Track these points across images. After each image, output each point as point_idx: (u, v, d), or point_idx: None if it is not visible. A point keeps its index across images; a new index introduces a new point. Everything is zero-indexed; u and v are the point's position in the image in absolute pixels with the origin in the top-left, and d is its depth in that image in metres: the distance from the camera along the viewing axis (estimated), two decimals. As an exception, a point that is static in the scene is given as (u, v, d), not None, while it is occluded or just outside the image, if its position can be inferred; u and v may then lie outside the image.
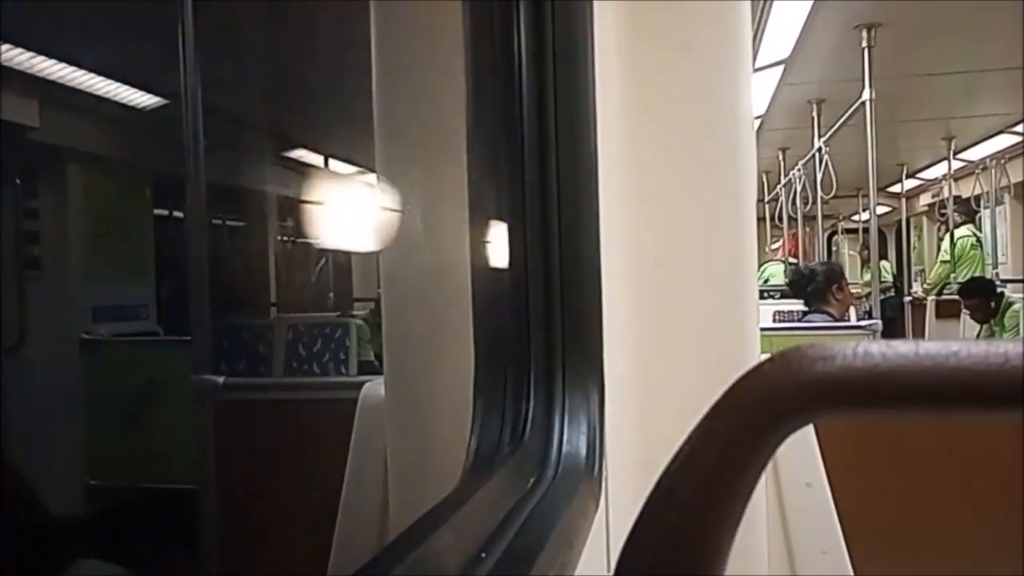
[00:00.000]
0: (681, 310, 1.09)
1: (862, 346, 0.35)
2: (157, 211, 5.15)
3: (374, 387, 1.26)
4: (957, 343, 0.35)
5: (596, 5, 0.93)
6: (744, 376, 0.35)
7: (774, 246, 9.45)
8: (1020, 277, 6.93)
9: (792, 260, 7.94)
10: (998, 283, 6.77)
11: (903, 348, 0.34)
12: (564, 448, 0.86)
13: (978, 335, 5.78)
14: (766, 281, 7.85)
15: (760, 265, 8.73)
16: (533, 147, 0.92)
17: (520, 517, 0.73)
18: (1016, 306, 5.50)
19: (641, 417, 1.04)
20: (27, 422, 3.36)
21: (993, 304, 5.57)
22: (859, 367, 0.34)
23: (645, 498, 0.39)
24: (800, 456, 1.14)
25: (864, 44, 4.05)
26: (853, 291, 5.97)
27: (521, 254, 0.91)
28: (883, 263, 8.30)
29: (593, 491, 0.84)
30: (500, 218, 0.94)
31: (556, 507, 0.76)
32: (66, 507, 3.72)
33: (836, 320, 3.93)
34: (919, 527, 1.22)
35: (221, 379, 2.06)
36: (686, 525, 0.37)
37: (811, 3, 3.70)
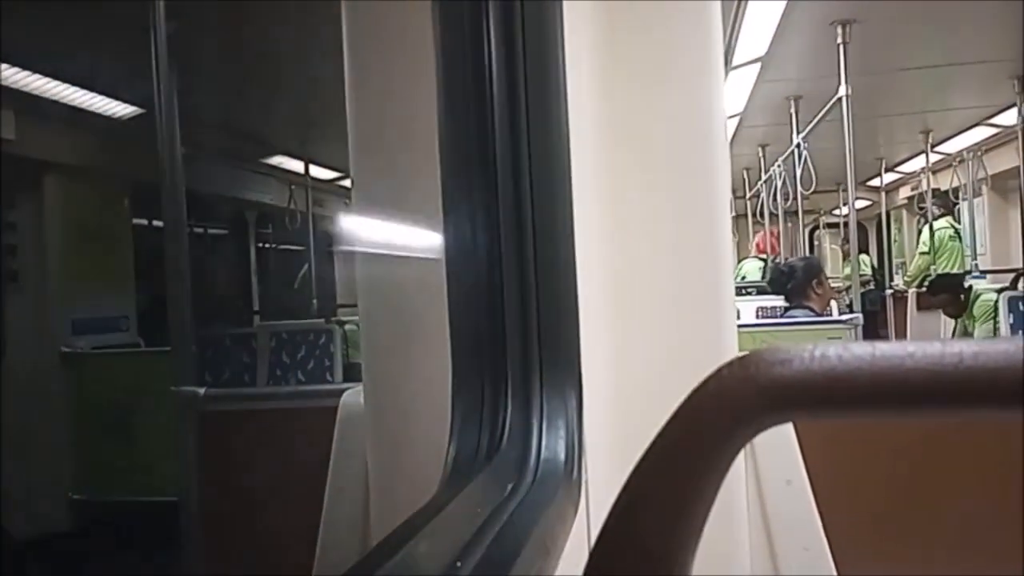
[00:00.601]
0: (658, 311, 1.09)
1: (819, 349, 0.35)
2: (137, 221, 5.12)
3: (353, 395, 1.26)
4: (913, 343, 0.35)
5: (566, 6, 0.93)
6: (703, 382, 0.36)
7: (757, 241, 9.49)
8: (998, 268, 6.99)
9: (762, 256, 7.98)
10: (976, 274, 6.83)
11: (859, 350, 0.35)
12: (543, 453, 0.86)
13: (953, 330, 5.83)
14: (743, 278, 7.88)
15: (737, 263, 8.76)
16: (506, 152, 0.92)
17: (498, 523, 0.73)
18: (984, 296, 5.55)
19: (620, 420, 1.05)
20: (7, 437, 3.33)
21: (963, 297, 5.61)
22: (816, 370, 0.34)
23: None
24: (780, 454, 1.14)
25: (839, 40, 4.07)
26: (834, 285, 6.00)
27: (496, 259, 0.91)
28: (863, 256, 8.34)
29: (572, 496, 0.84)
30: (475, 223, 0.94)
31: (534, 513, 0.76)
32: (49, 523, 3.69)
33: (817, 315, 3.96)
34: (901, 522, 1.22)
35: (202, 390, 2.05)
36: (649, 530, 0.38)
37: (786, 1, 3.72)
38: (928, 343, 0.34)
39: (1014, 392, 0.33)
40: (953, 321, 5.84)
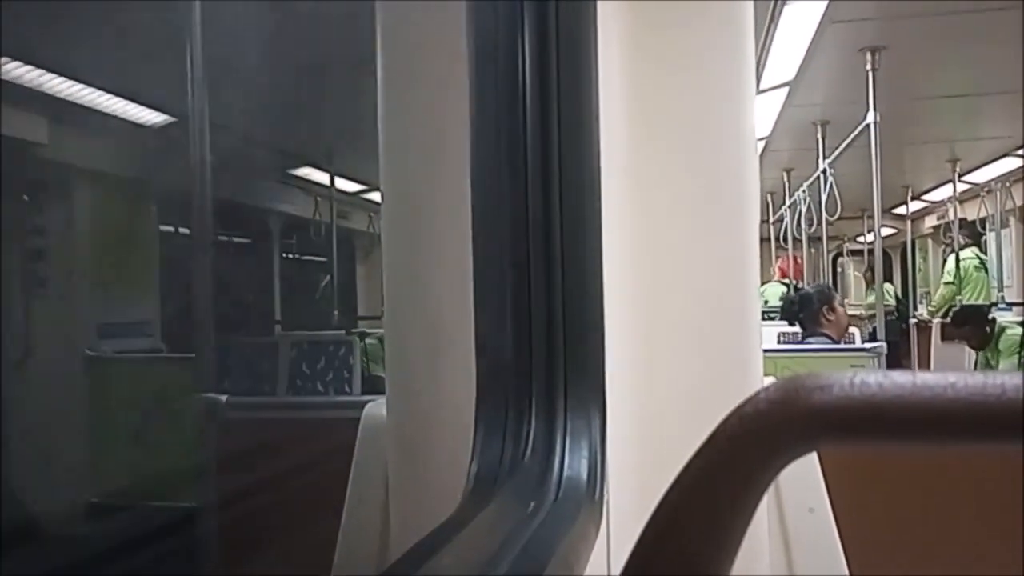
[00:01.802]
0: (683, 332, 1.09)
1: (859, 376, 0.35)
2: (163, 227, 5.18)
3: (376, 407, 1.26)
4: (955, 374, 0.35)
5: (600, 25, 0.93)
6: (741, 405, 0.35)
7: (779, 265, 9.45)
8: (1024, 300, 6.91)
9: (784, 281, 7.93)
10: (1002, 306, 6.75)
11: (901, 379, 0.34)
12: (565, 472, 0.86)
13: (975, 363, 5.76)
14: (765, 302, 7.83)
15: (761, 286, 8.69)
16: (536, 168, 0.92)
17: (521, 541, 0.73)
18: (1010, 331, 5.49)
19: (643, 441, 1.04)
20: (30, 438, 3.36)
21: (988, 330, 5.56)
22: (856, 397, 0.34)
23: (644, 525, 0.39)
24: (803, 481, 1.13)
25: (869, 67, 4.06)
26: (855, 313, 5.94)
27: (524, 275, 0.91)
28: (887, 286, 8.27)
29: (594, 516, 0.83)
30: (502, 238, 0.94)
31: (557, 532, 0.76)
32: (68, 526, 3.71)
33: (835, 341, 3.93)
34: (923, 552, 1.21)
35: (224, 397, 2.06)
36: (684, 554, 0.37)
37: (816, 25, 3.72)
38: (970, 374, 0.34)
39: (1056, 426, 0.33)
40: (975, 354, 5.78)
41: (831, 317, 3.99)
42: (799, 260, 7.87)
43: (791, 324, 4.42)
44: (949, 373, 0.35)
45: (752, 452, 0.36)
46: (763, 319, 5.96)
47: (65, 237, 4.30)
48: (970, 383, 0.34)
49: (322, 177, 6.35)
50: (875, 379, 0.34)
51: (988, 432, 0.34)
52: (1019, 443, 0.34)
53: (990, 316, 5.78)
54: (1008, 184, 7.09)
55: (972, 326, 5.65)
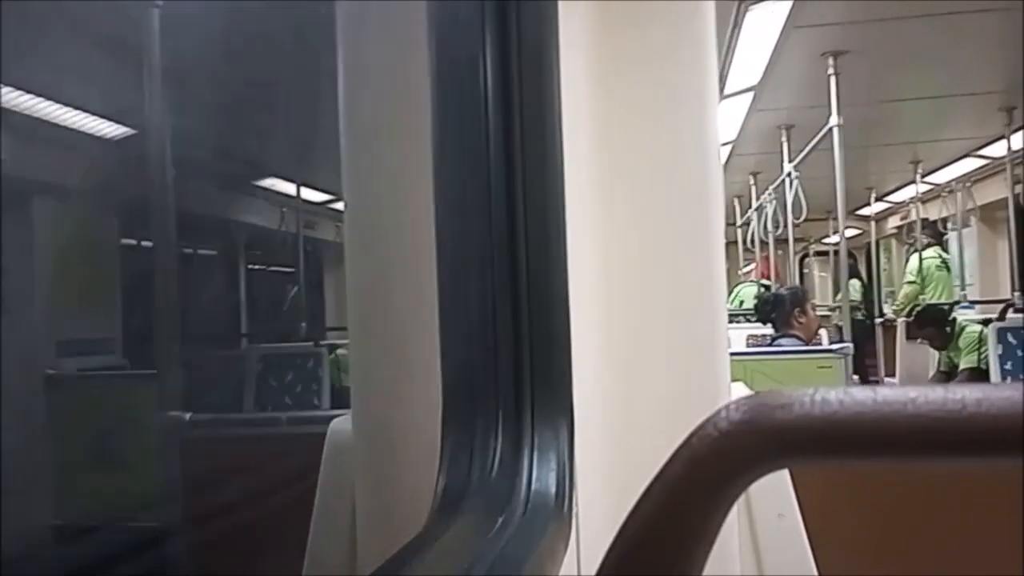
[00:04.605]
0: (650, 342, 1.09)
1: (820, 393, 0.34)
2: (125, 241, 5.10)
3: (342, 422, 1.24)
4: (915, 389, 0.34)
5: (562, 31, 0.93)
6: (702, 425, 0.35)
7: (746, 269, 9.53)
8: (987, 299, 7.03)
9: (764, 282, 8.00)
10: (964, 304, 6.87)
11: (861, 395, 0.34)
12: (533, 486, 0.85)
13: (938, 362, 5.88)
14: (740, 304, 7.89)
15: (733, 288, 8.78)
16: (500, 178, 0.91)
17: (488, 558, 0.72)
18: (968, 329, 5.61)
19: (613, 452, 1.03)
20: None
21: (949, 330, 5.69)
22: (817, 415, 0.33)
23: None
24: (772, 488, 1.13)
25: (831, 71, 4.11)
26: (822, 314, 6.02)
27: (489, 288, 0.90)
28: (853, 282, 8.34)
29: (563, 530, 0.82)
30: (468, 251, 0.93)
31: (525, 547, 0.75)
32: (30, 550, 3.63)
33: (804, 343, 3.99)
34: (892, 556, 1.21)
35: (188, 415, 2.02)
36: (650, 572, 0.37)
37: (779, 30, 3.76)
38: (931, 388, 0.34)
39: (1016, 439, 0.33)
40: (937, 354, 5.92)
41: (802, 320, 4.06)
42: (771, 261, 7.95)
43: (764, 324, 4.49)
44: (910, 388, 0.34)
45: (714, 472, 0.35)
46: (739, 321, 6.03)
47: (23, 252, 4.22)
48: (931, 398, 0.33)
49: (288, 187, 6.30)
50: (836, 396, 0.34)
51: (949, 447, 0.33)
52: (979, 457, 0.34)
53: (951, 317, 5.89)
54: (969, 184, 7.22)
55: (933, 327, 5.77)
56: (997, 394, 0.33)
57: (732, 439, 0.34)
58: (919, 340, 6.02)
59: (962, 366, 5.55)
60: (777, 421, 0.33)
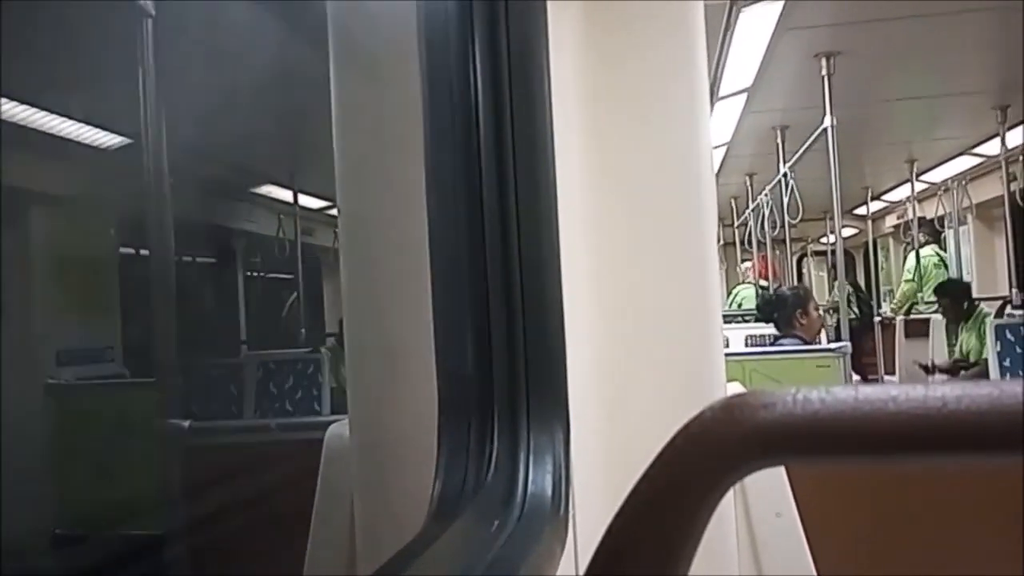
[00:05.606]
0: (645, 343, 1.09)
1: (802, 392, 0.35)
2: (124, 250, 5.10)
3: (340, 427, 1.25)
4: (896, 387, 0.35)
5: (551, 29, 0.93)
6: (685, 426, 0.35)
7: (745, 266, 9.53)
8: (984, 296, 7.04)
9: (762, 283, 8.01)
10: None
11: (842, 394, 0.34)
12: (529, 489, 0.85)
13: (947, 337, 5.95)
14: (739, 305, 7.90)
15: (732, 289, 8.79)
16: (493, 185, 0.92)
17: (485, 561, 0.72)
18: (990, 319, 5.64)
19: (609, 453, 1.04)
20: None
21: (966, 306, 5.78)
22: (799, 414, 0.34)
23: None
24: (769, 487, 1.14)
25: (824, 72, 4.12)
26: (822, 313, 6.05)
27: (484, 292, 0.91)
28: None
29: (559, 533, 0.83)
30: (461, 255, 0.93)
31: (521, 550, 0.75)
32: (32, 558, 3.62)
33: (806, 343, 3.99)
34: (890, 552, 1.22)
35: (187, 423, 2.02)
36: (637, 571, 0.37)
37: (772, 32, 3.77)
38: (911, 386, 0.34)
39: (997, 436, 0.33)
40: (946, 342, 5.97)
41: (804, 320, 4.06)
42: (769, 262, 7.96)
43: (767, 323, 4.50)
44: (891, 387, 0.35)
45: (699, 470, 0.36)
46: (739, 321, 6.04)
47: (21, 262, 4.22)
48: (911, 396, 0.34)
49: (285, 195, 6.30)
50: (818, 395, 0.35)
51: (930, 445, 0.34)
52: (960, 454, 0.34)
53: (974, 297, 6.01)
54: (964, 182, 7.23)
55: (952, 298, 5.88)
56: (977, 391, 0.34)
57: (716, 438, 0.35)
58: (936, 310, 6.10)
59: (966, 343, 5.68)
60: (760, 420, 0.34)
